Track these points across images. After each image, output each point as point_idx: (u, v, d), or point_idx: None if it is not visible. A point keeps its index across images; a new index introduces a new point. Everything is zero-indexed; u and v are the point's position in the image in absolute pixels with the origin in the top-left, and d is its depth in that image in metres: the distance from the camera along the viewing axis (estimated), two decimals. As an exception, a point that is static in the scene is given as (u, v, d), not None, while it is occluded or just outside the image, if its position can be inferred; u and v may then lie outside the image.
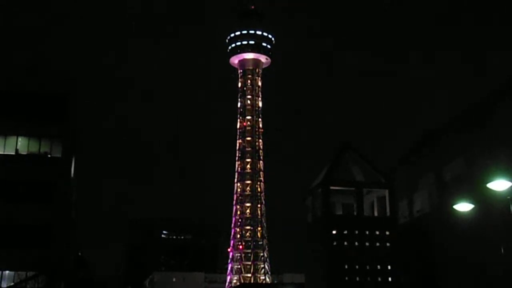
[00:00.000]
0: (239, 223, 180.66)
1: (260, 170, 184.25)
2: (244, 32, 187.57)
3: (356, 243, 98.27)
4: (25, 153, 62.39)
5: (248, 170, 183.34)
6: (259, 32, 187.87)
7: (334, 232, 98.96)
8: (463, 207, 30.53)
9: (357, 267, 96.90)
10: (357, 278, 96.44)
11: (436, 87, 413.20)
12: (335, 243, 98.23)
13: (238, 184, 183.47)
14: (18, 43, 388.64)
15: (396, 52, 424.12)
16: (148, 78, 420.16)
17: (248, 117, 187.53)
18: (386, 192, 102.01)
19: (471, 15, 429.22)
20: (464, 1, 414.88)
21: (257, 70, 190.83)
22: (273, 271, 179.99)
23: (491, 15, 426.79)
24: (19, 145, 62.68)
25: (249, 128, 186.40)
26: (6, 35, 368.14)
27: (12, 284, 58.13)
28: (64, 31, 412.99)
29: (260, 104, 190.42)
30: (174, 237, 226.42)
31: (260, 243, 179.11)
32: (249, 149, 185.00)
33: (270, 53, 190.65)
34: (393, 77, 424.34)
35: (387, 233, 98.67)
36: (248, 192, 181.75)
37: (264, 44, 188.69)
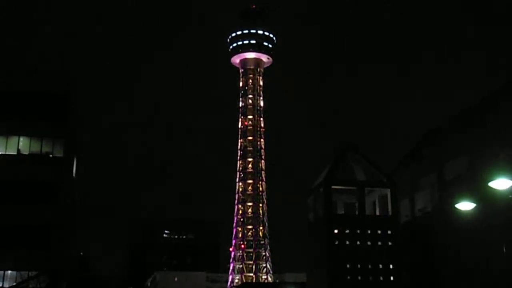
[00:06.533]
0: (241, 223, 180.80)
1: (261, 169, 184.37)
2: (245, 31, 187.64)
3: (358, 242, 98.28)
4: (26, 153, 62.45)
5: (250, 170, 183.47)
6: (260, 32, 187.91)
7: (335, 231, 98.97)
8: (465, 206, 30.45)
9: (358, 266, 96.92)
10: (359, 277, 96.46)
11: (436, 87, 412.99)
12: (336, 242, 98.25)
13: (240, 184, 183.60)
14: (19, 43, 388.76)
15: (396, 52, 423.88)
16: (148, 78, 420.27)
17: (250, 117, 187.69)
18: (388, 191, 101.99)
19: (470, 15, 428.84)
20: (464, 1, 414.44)
21: (258, 70, 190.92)
22: (275, 271, 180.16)
23: (491, 15, 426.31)
24: (21, 145, 62.73)
25: (251, 127, 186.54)
26: (7, 35, 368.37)
27: (14, 284, 58.20)
28: (65, 31, 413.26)
29: (262, 103, 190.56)
30: (176, 237, 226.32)
31: (262, 242, 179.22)
32: (251, 148, 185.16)
33: (272, 52, 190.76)
34: (394, 77, 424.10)
35: (389, 232, 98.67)
36: (250, 192, 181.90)
37: (265, 43, 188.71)
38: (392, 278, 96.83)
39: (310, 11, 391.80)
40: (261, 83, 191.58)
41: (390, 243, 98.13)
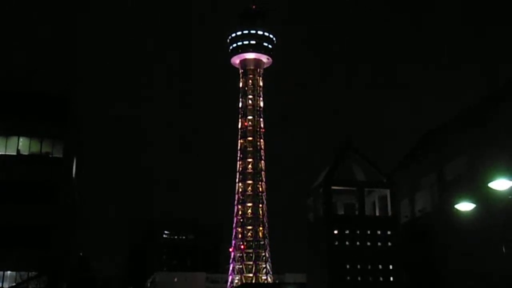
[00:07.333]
0: (240, 223, 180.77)
1: (261, 170, 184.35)
2: (245, 32, 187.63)
3: (358, 243, 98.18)
4: (26, 153, 62.42)
5: (250, 170, 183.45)
6: (260, 32, 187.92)
7: (335, 232, 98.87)
8: (465, 206, 30.45)
9: (358, 267, 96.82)
10: (359, 278, 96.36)
11: (436, 87, 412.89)
12: (336, 243, 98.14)
13: (240, 184, 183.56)
14: (19, 43, 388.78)
15: (396, 51, 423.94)
16: (148, 78, 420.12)
17: (250, 117, 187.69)
18: (388, 192, 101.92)
19: (471, 14, 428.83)
20: (464, 0, 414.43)
21: (258, 70, 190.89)
22: (275, 271, 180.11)
23: (491, 14, 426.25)
24: (21, 145, 62.70)
25: (251, 128, 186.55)
26: (7, 35, 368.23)
27: (14, 284, 58.15)
28: (65, 31, 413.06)
29: (262, 104, 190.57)
30: (176, 237, 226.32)
31: (262, 243, 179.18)
32: (251, 149, 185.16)
33: (271, 53, 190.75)
34: (393, 77, 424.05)
35: (389, 232, 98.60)
36: (249, 192, 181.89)
37: (265, 44, 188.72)
38: (392, 278, 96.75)
39: (311, 10, 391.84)
40: (261, 83, 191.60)
41: (390, 244, 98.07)
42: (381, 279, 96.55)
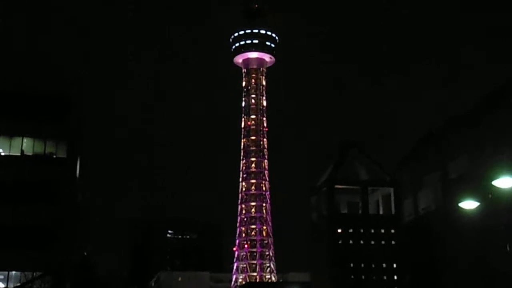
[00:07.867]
0: (244, 222, 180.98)
1: (264, 169, 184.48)
2: (248, 31, 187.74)
3: (361, 242, 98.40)
4: (30, 154, 62.55)
5: (253, 169, 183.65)
6: (262, 31, 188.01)
7: (339, 230, 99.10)
8: (468, 204, 30.43)
9: (362, 265, 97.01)
10: (362, 277, 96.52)
11: (437, 86, 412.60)
12: (340, 242, 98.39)
13: (243, 183, 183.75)
14: (22, 43, 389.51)
15: (396, 51, 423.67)
16: (149, 78, 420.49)
17: (253, 116, 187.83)
18: (391, 191, 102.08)
19: (471, 15, 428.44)
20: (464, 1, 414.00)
21: (261, 69, 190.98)
22: (279, 270, 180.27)
23: (492, 14, 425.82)
24: (24, 146, 62.82)
25: (254, 127, 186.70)
26: (10, 36, 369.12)
27: (19, 284, 58.30)
28: (66, 31, 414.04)
29: (265, 103, 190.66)
30: (180, 236, 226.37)
31: (266, 241, 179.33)
32: (254, 148, 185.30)
33: (274, 52, 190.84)
34: (393, 76, 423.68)
35: (392, 231, 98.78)
36: (253, 191, 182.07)
37: (268, 43, 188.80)
38: (395, 277, 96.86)
39: (312, 10, 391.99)
40: (263, 82, 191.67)
41: (393, 242, 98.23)
42: (385, 277, 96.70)
